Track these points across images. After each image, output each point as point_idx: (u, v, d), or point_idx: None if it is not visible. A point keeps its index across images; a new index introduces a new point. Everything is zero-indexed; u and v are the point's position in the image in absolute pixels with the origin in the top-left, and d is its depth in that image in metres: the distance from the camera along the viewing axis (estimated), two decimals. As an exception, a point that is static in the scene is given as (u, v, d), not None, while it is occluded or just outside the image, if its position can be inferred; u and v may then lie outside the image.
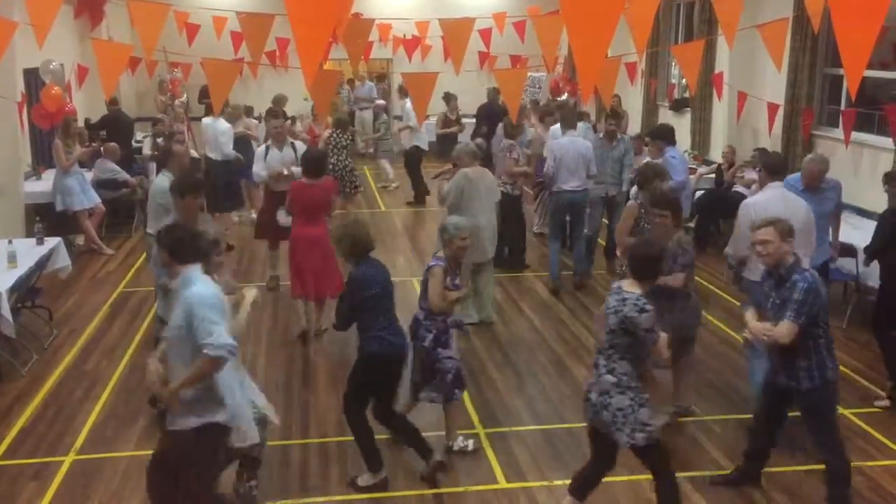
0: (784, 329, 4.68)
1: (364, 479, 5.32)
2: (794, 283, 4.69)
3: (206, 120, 11.46)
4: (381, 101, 15.88)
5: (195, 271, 4.27)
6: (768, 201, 5.89)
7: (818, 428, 4.97)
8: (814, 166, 6.71)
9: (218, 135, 10.97)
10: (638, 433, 4.51)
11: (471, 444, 5.82)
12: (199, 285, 4.21)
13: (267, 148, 9.08)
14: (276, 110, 12.49)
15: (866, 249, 6.89)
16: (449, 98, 14.70)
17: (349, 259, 5.36)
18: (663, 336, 4.57)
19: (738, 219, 6.08)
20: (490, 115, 13.70)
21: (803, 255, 5.63)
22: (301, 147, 9.21)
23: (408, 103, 13.63)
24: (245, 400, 4.66)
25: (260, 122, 14.18)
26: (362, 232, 5.35)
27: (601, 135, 9.93)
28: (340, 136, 11.40)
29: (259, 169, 8.95)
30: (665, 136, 8.83)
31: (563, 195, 9.04)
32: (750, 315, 5.06)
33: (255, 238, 9.72)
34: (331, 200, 7.92)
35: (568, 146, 9.05)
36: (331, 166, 10.68)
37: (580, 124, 11.39)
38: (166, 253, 4.33)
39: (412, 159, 13.80)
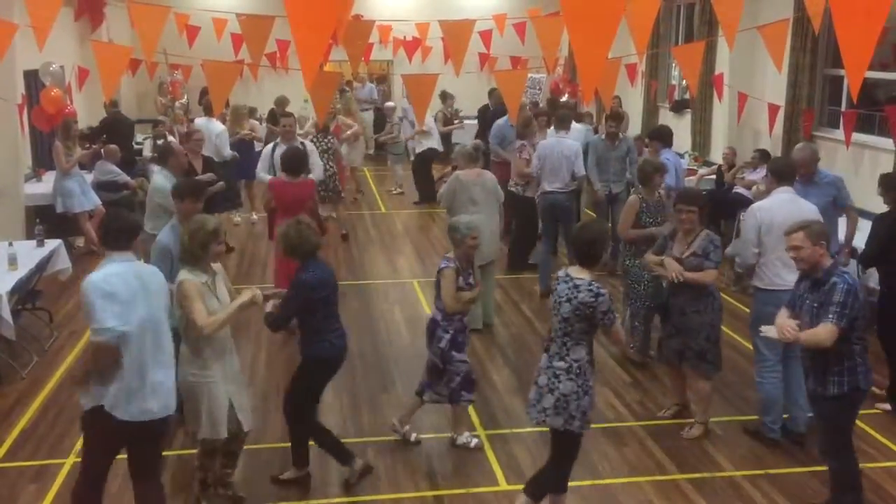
0: (825, 332, 4.55)
1: (288, 474, 5.39)
2: (833, 286, 4.59)
3: (200, 121, 11.43)
4: (390, 104, 15.76)
5: (111, 259, 4.30)
6: (775, 206, 5.78)
7: (831, 435, 4.90)
8: (801, 154, 6.68)
9: (213, 136, 10.91)
10: (576, 421, 4.59)
11: (474, 441, 5.85)
12: (98, 272, 4.24)
13: (274, 146, 9.08)
14: (279, 112, 12.49)
15: (862, 256, 6.72)
16: (445, 96, 14.70)
17: (294, 259, 5.30)
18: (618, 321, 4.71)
19: (744, 223, 6.03)
20: (485, 116, 13.69)
21: None
22: (310, 147, 9.26)
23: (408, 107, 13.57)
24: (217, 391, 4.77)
25: (261, 123, 14.18)
26: (304, 233, 5.19)
27: (603, 136, 9.96)
28: (321, 139, 10.93)
29: (262, 169, 8.95)
30: (662, 137, 8.83)
31: (547, 197, 9.08)
32: (783, 315, 4.90)
33: (269, 239, 9.57)
34: (312, 197, 8.03)
35: (553, 147, 9.11)
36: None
37: (580, 126, 11.48)
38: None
39: (425, 161, 13.80)
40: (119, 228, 4.37)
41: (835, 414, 4.82)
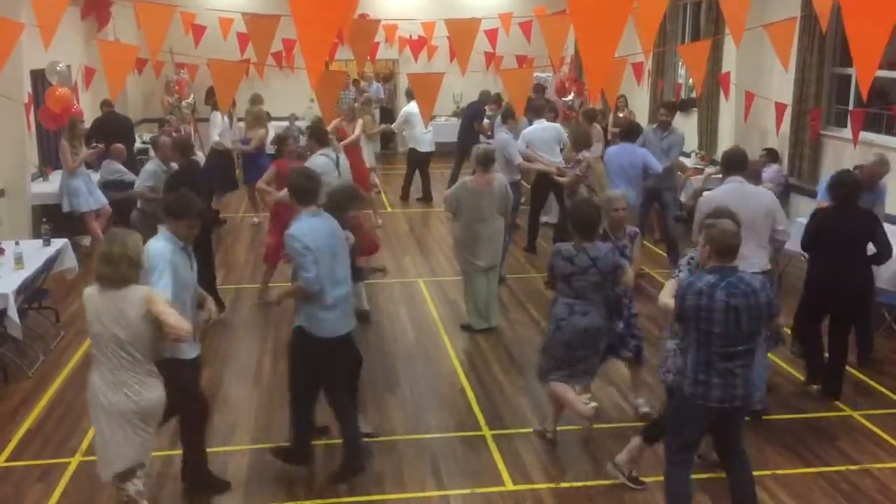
0: None
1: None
2: None
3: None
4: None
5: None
6: (725, 194, 6.03)
7: None
8: (873, 168, 6.97)
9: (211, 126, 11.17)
10: None
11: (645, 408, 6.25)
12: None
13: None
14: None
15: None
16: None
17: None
18: None
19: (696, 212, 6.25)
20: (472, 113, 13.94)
21: (756, 247, 5.76)
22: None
23: (409, 106, 13.37)
24: None
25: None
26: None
27: (655, 125, 10.32)
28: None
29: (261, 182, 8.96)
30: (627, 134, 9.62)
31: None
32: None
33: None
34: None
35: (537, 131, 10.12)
36: None
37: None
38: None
39: (409, 161, 13.91)
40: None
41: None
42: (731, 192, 6.08)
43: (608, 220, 6.05)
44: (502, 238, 8.15)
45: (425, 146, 13.51)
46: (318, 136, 8.73)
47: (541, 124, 10.68)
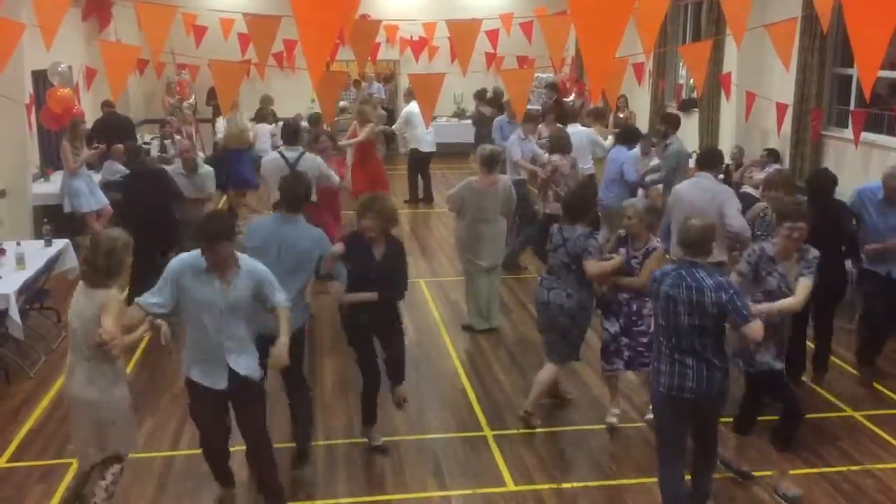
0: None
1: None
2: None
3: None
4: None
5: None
6: (687, 187, 6.80)
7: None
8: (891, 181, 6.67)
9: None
10: None
11: (615, 420, 6.13)
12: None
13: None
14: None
15: None
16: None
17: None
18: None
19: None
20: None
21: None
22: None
23: (410, 107, 13.35)
24: None
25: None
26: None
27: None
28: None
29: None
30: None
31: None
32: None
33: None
34: (338, 195, 8.17)
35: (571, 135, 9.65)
36: None
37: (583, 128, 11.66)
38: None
39: (410, 161, 13.87)
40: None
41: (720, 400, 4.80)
42: (692, 185, 6.76)
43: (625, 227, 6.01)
44: (504, 238, 8.14)
45: (427, 146, 13.46)
46: (287, 134, 8.55)
47: (574, 128, 10.61)
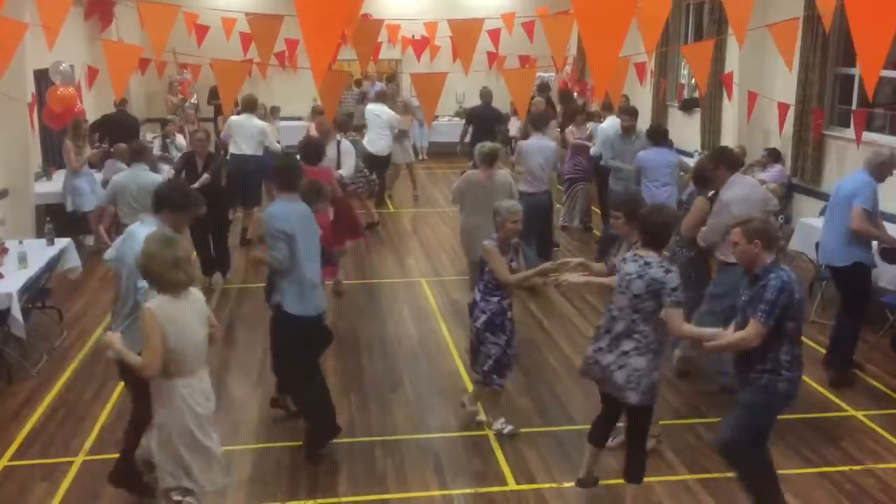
0: (751, 329, 4.46)
1: None
2: (766, 283, 4.44)
3: (236, 119, 11.04)
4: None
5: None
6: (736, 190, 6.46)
7: (741, 430, 4.71)
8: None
9: (254, 132, 10.72)
10: (647, 395, 4.71)
11: (509, 428, 5.98)
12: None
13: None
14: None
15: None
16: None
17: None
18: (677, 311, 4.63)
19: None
20: (485, 117, 13.10)
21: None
22: (347, 146, 9.49)
23: (382, 109, 13.02)
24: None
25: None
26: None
27: (619, 131, 10.08)
28: (343, 139, 10.63)
29: None
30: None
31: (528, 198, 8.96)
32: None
33: None
34: (330, 184, 7.80)
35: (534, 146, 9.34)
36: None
37: (590, 124, 11.59)
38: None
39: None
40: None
41: (749, 404, 4.63)
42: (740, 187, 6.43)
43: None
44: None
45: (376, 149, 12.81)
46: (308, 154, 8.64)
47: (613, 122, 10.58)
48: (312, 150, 8.18)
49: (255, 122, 10.91)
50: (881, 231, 6.85)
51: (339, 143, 9.56)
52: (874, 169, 6.71)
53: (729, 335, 4.63)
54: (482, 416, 6.19)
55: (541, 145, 9.28)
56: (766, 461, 4.77)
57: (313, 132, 10.34)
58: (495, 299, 5.78)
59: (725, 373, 5.94)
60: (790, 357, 4.51)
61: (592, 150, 10.55)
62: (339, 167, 9.30)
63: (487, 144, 8.19)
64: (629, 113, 10.08)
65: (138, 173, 7.79)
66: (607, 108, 11.89)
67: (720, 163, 6.55)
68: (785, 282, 4.43)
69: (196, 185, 8.45)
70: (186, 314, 4.24)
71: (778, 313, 4.41)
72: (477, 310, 5.82)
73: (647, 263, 4.66)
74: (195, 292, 4.38)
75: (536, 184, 9.16)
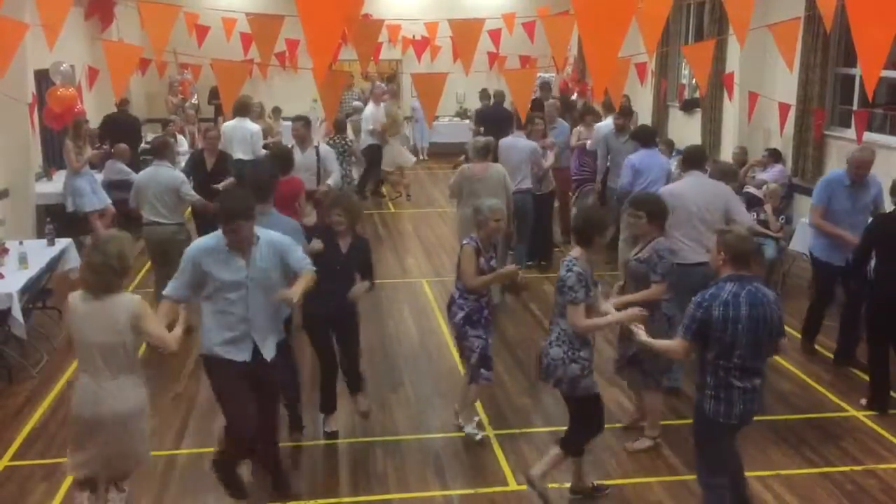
0: (675, 342, 4.50)
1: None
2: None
3: (231, 122, 10.85)
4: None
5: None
6: (683, 186, 6.62)
7: (696, 450, 4.72)
8: (860, 155, 6.97)
9: (248, 135, 10.58)
10: (563, 384, 4.92)
11: (480, 435, 5.90)
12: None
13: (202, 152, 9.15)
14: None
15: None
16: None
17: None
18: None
19: None
20: (497, 118, 13.29)
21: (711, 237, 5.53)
22: (326, 150, 9.22)
23: (369, 108, 13.69)
24: None
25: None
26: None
27: (613, 129, 10.08)
28: (339, 140, 10.76)
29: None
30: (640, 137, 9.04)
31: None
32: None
33: None
34: (298, 194, 7.54)
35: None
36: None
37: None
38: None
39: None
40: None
41: (694, 427, 4.62)
42: (688, 183, 6.58)
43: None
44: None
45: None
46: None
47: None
48: (282, 160, 7.82)
49: (248, 125, 10.66)
50: (830, 228, 6.97)
51: (317, 148, 9.10)
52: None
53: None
54: (480, 416, 6.17)
55: (517, 144, 9.22)
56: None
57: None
58: (472, 296, 5.74)
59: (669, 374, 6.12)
60: (716, 377, 4.33)
61: (588, 146, 10.56)
62: (318, 174, 8.85)
63: (481, 139, 8.43)
64: (623, 113, 10.14)
65: (159, 170, 7.78)
66: (608, 108, 11.90)
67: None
68: (705, 298, 4.29)
69: (220, 185, 8.36)
70: (87, 314, 4.39)
71: (695, 329, 4.30)
72: (455, 306, 5.80)
73: (563, 262, 4.88)
74: (120, 299, 4.41)
75: (513, 183, 9.12)
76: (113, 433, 4.39)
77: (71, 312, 4.40)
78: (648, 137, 8.86)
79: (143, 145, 13.07)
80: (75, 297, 4.40)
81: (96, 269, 4.30)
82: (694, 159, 6.88)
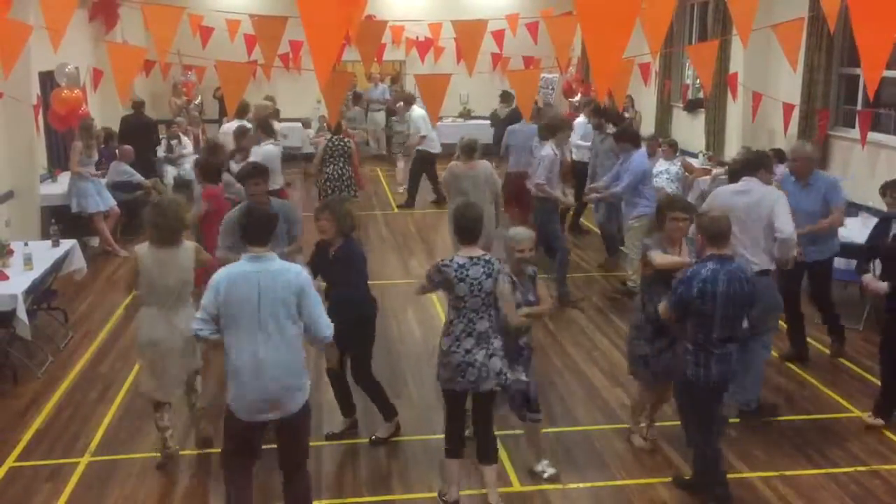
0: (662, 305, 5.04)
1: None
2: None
3: (228, 126, 10.96)
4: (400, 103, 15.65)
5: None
6: (727, 190, 6.36)
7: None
8: (801, 151, 6.95)
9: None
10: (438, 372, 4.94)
11: (549, 472, 5.44)
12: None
13: None
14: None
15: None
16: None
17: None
18: None
19: None
20: (510, 121, 13.17)
21: (753, 245, 5.97)
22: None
23: (414, 111, 13.19)
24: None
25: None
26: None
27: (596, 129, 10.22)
28: (339, 141, 10.46)
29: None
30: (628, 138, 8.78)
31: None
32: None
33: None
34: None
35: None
36: (326, 175, 10.06)
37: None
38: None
39: (416, 164, 13.49)
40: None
41: (678, 389, 5.18)
42: (733, 189, 6.20)
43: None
44: (491, 224, 8.21)
45: (437, 148, 13.35)
46: (265, 127, 9.47)
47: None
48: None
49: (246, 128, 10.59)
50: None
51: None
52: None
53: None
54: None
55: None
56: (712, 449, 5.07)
57: (317, 144, 10.37)
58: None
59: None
60: (696, 345, 4.86)
61: (571, 140, 10.58)
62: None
63: (467, 137, 8.69)
64: (595, 113, 10.25)
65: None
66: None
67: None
68: (687, 276, 4.81)
69: None
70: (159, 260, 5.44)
71: (675, 300, 4.86)
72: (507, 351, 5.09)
73: (487, 262, 4.81)
74: (185, 245, 5.50)
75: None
76: (182, 352, 5.40)
77: (142, 261, 5.33)
78: (637, 139, 8.78)
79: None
80: (143, 249, 5.37)
81: (160, 227, 5.31)
82: (749, 165, 6.32)
